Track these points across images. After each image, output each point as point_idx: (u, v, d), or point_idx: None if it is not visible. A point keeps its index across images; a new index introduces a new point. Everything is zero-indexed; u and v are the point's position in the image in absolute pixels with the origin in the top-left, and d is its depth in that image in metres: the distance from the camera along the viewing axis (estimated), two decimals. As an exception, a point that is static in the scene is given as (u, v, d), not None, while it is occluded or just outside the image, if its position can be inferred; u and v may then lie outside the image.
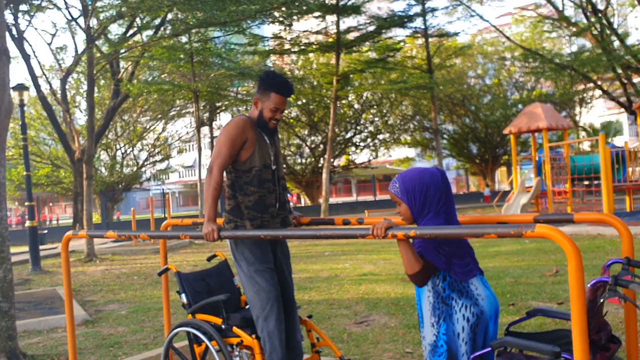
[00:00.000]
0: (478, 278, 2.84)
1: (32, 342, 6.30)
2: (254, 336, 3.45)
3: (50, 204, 52.35)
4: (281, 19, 16.83)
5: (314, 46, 24.06)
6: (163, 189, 36.16)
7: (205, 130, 30.89)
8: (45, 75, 19.23)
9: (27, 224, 13.33)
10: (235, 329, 3.51)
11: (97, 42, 18.48)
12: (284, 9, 15.43)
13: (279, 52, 25.58)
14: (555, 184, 16.93)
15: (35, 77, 17.37)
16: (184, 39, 19.47)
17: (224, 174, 3.45)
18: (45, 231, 20.72)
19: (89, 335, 6.51)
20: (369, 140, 36.08)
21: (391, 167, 47.41)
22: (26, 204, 13.48)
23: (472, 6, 26.99)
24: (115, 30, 21.62)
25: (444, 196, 2.83)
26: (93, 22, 17.70)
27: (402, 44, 26.49)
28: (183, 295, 3.82)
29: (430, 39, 25.77)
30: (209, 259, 4.49)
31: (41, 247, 19.04)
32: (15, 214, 50.59)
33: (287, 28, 21.48)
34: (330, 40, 23.32)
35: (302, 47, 24.30)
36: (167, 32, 17.08)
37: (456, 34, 26.71)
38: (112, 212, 32.35)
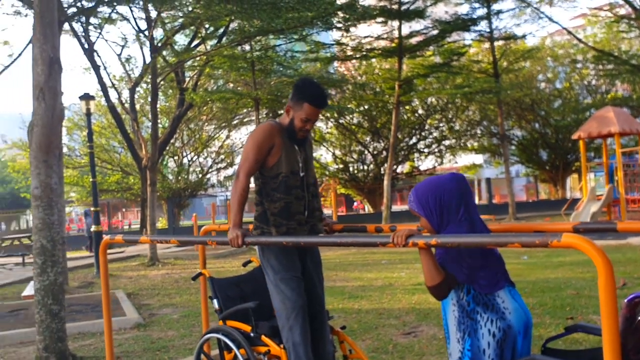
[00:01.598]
0: (506, 290, 2.66)
1: (84, 344, 6.45)
2: (282, 346, 3.37)
3: (123, 210, 54.23)
4: (339, 25, 16.74)
5: (376, 51, 23.89)
6: (227, 196, 36.76)
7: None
8: (114, 85, 19.90)
9: (93, 228, 13.78)
10: (263, 337, 3.44)
11: (163, 53, 19.03)
12: (341, 14, 15.37)
13: (340, 59, 25.57)
14: (629, 191, 16.08)
15: (105, 87, 17.99)
16: (246, 47, 19.73)
17: (252, 180, 3.40)
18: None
19: (139, 338, 6.61)
20: (433, 146, 35.48)
21: (458, 174, 46.41)
22: (92, 209, 13.94)
23: (542, 8, 26.14)
24: (181, 40, 22.14)
25: (463, 203, 2.67)
26: (158, 33, 18.26)
27: (467, 47, 25.94)
28: (215, 301, 3.79)
29: (496, 42, 25.11)
30: (244, 265, 4.44)
31: (108, 251, 19.73)
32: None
33: (347, 34, 21.41)
34: (393, 45, 23.10)
35: (364, 53, 24.19)
36: (228, 41, 17.32)
37: (524, 36, 25.88)
38: (178, 218, 33.15)
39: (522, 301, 2.74)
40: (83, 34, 16.51)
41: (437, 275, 2.54)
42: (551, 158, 36.17)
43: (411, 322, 6.47)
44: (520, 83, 31.10)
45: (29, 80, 5.73)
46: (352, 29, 21.66)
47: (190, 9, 13.73)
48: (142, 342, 6.43)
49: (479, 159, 42.21)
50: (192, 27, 17.84)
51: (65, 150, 29.42)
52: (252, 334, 3.48)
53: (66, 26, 15.06)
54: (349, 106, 29.65)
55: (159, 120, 28.46)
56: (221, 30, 18.32)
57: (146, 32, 17.22)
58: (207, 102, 22.70)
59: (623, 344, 2.14)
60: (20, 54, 19.25)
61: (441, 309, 2.84)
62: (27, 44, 5.54)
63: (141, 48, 18.32)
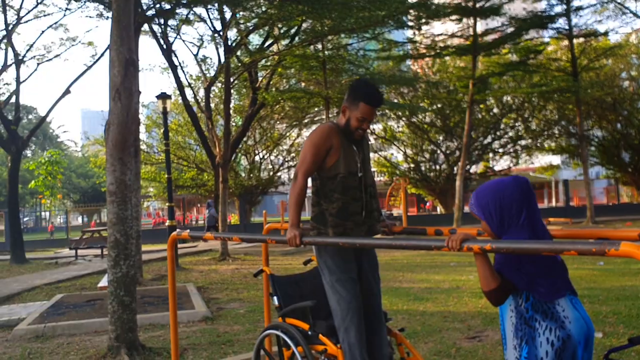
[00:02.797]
0: (567, 299, 2.57)
1: (154, 335, 6.70)
2: (338, 345, 3.39)
3: (199, 205, 55.80)
4: (411, 23, 16.58)
5: (450, 49, 23.53)
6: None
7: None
8: (190, 85, 20.48)
9: (167, 223, 14.27)
10: (321, 336, 3.48)
11: (237, 53, 19.46)
12: (413, 12, 15.22)
13: (413, 57, 25.34)
14: None
15: (181, 86, 18.57)
16: (318, 46, 19.88)
17: (310, 181, 3.44)
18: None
19: (205, 331, 6.81)
20: (509, 146, 34.57)
21: (534, 175, 45.08)
22: (167, 205, 14.43)
23: (626, 3, 25.04)
24: (255, 40, 22.56)
25: (525, 208, 2.60)
26: (232, 34, 18.66)
27: (544, 45, 25.10)
28: (275, 298, 3.86)
29: (576, 40, 24.17)
30: (305, 263, 4.49)
31: (182, 245, 20.39)
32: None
33: (419, 32, 21.17)
34: (468, 43, 22.68)
35: (438, 51, 23.87)
36: (300, 41, 17.51)
37: (605, 33, 24.77)
38: (249, 214, 33.80)
39: (584, 311, 2.64)
40: (161, 34, 17.10)
41: (493, 281, 2.50)
42: (634, 160, 34.42)
43: (476, 327, 6.34)
44: (602, 81, 29.75)
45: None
46: (425, 27, 21.42)
47: (263, 9, 13.96)
48: (208, 335, 6.61)
49: (556, 159, 40.74)
50: (266, 28, 18.13)
51: (143, 147, 30.61)
52: (310, 332, 3.52)
53: (146, 27, 15.67)
54: (420, 105, 29.28)
55: (232, 119, 29.15)
56: (294, 30, 18.55)
57: (221, 33, 17.65)
58: (279, 101, 23.01)
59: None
60: (102, 54, 20.25)
61: (498, 315, 2.79)
62: (109, 45, 5.77)
63: (217, 48, 18.81)
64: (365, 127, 3.43)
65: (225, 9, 16.04)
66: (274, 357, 3.92)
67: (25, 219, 58.81)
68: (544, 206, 42.82)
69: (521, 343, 2.61)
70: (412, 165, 35.04)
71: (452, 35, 23.47)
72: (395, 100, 30.32)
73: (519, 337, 2.62)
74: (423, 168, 34.97)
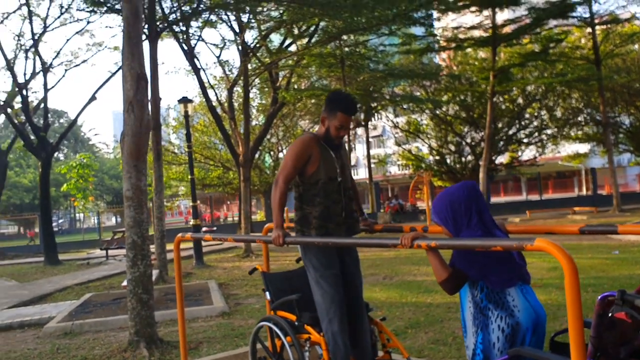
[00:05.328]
0: (517, 289, 2.86)
1: (173, 330, 7.12)
2: (321, 334, 3.74)
3: (228, 203, 56.59)
4: (422, 20, 16.76)
5: (470, 41, 23.51)
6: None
7: (360, 131, 31.44)
8: (212, 86, 20.98)
9: (192, 222, 14.76)
10: (306, 326, 3.83)
11: (257, 53, 19.86)
12: (422, 10, 15.41)
13: (433, 50, 25.37)
14: None
15: (204, 88, 19.06)
16: (334, 44, 20.18)
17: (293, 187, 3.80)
18: (214, 228, 22.62)
19: (221, 326, 7.21)
20: (534, 135, 34.32)
21: (562, 164, 44.62)
22: (191, 204, 14.91)
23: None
24: (276, 40, 22.93)
25: (473, 209, 2.90)
26: (251, 35, 19.06)
27: (565, 34, 24.90)
28: (267, 293, 4.24)
29: (598, 27, 23.93)
30: (297, 261, 4.84)
31: (208, 243, 20.87)
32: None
33: (430, 28, 21.26)
34: (488, 33, 22.66)
35: (458, 43, 23.89)
36: (317, 40, 17.83)
37: (628, 19, 24.45)
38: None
39: (535, 299, 2.92)
40: (183, 39, 17.56)
41: (444, 271, 2.82)
42: (664, 145, 33.88)
43: (478, 317, 6.60)
44: (628, 67, 29.37)
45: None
46: (444, 18, 21.46)
47: (275, 14, 14.32)
48: (224, 329, 7.02)
49: (583, 147, 40.28)
50: (283, 29, 18.48)
51: (171, 148, 31.31)
52: (296, 323, 3.88)
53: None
54: (438, 99, 29.28)
55: (256, 118, 29.63)
56: (312, 29, 18.88)
57: (240, 36, 18.06)
58: (299, 99, 23.38)
59: (599, 339, 2.32)
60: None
61: (459, 306, 3.09)
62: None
63: (238, 50, 19.25)
64: (343, 134, 3.78)
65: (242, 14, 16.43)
66: (267, 347, 4.29)
67: (60, 221, 60.47)
68: (572, 195, 42.41)
69: (477, 330, 2.92)
70: (437, 158, 35.05)
71: (472, 28, 23.45)
72: (417, 94, 30.42)
73: (475, 324, 2.94)
74: (448, 160, 34.94)
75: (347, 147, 38.75)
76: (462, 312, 3.07)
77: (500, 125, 32.37)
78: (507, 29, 23.35)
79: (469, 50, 28.51)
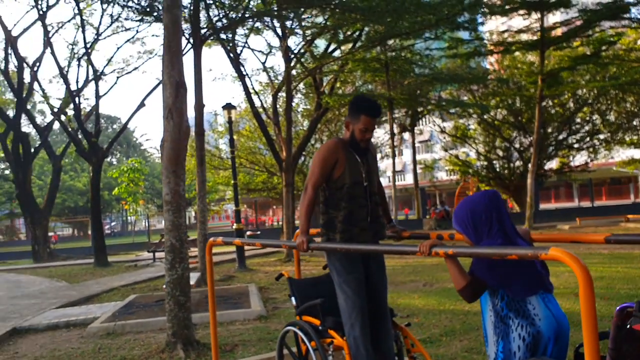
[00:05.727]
0: (538, 297, 2.83)
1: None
2: (344, 338, 3.76)
3: (274, 207, 57.09)
4: (466, 24, 16.57)
5: (518, 45, 23.12)
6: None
7: (407, 135, 31.20)
8: (257, 92, 21.23)
9: (234, 226, 14.96)
10: (330, 330, 3.86)
11: (301, 59, 20.04)
12: (466, 14, 15.24)
13: (480, 54, 25.04)
14: None
15: (249, 94, 19.33)
16: (379, 49, 20.16)
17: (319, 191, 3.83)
18: (258, 232, 22.85)
19: (258, 329, 7.30)
20: (586, 140, 33.41)
21: (616, 170, 43.26)
22: (234, 208, 15.12)
23: None
24: (322, 45, 23.07)
25: (494, 217, 2.88)
26: (294, 41, 19.21)
27: (618, 36, 24.18)
28: (292, 299, 4.28)
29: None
30: (324, 267, 4.88)
31: (250, 247, 21.11)
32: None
33: (475, 33, 21.00)
34: (537, 37, 22.23)
35: (506, 47, 23.52)
36: (360, 45, 17.87)
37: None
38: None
39: (558, 309, 2.88)
40: (229, 47, 17.85)
41: (462, 279, 2.82)
42: None
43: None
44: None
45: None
46: (492, 21, 21.17)
47: (319, 19, 14.44)
48: (259, 332, 7.10)
49: (639, 153, 38.94)
50: (327, 34, 18.58)
51: (217, 153, 31.80)
52: (320, 328, 3.91)
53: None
54: (486, 103, 28.83)
55: (300, 123, 29.82)
56: (356, 34, 18.94)
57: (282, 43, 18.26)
58: (343, 104, 23.43)
59: (618, 351, 2.27)
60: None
61: (481, 314, 3.07)
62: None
63: (283, 56, 19.46)
64: (368, 136, 3.81)
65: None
66: (293, 351, 4.33)
67: (112, 224, 62.18)
68: (627, 202, 41.06)
69: (498, 339, 2.90)
70: (485, 163, 34.52)
71: (519, 31, 23.05)
72: (465, 98, 30.04)
73: (496, 333, 2.92)
74: (496, 165, 34.37)
75: (385, 153, 38.72)
76: (483, 320, 3.05)
77: (549, 130, 31.67)
78: (557, 32, 22.87)
79: (517, 53, 28.05)
